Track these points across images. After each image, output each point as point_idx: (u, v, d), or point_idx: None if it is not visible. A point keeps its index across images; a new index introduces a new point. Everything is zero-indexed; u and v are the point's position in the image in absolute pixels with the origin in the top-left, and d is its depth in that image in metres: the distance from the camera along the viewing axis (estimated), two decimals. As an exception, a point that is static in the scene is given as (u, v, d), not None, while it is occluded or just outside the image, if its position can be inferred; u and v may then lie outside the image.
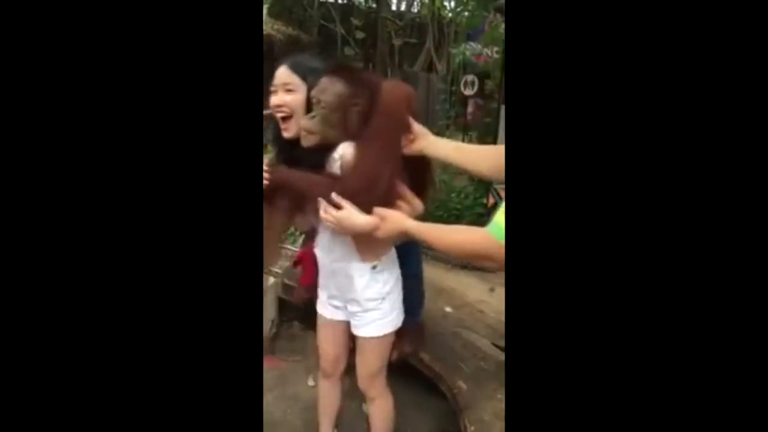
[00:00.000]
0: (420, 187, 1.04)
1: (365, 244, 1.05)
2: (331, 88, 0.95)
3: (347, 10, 5.03)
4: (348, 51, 3.91)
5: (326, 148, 0.98)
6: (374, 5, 5.22)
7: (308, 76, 1.00)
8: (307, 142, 0.97)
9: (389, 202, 0.96)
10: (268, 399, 1.75)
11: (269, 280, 2.09)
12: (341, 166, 0.96)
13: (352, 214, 0.93)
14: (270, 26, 5.27)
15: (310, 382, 1.85)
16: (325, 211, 0.95)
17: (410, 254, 1.26)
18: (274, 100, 1.01)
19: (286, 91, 1.00)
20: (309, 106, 0.99)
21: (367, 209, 0.94)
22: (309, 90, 0.99)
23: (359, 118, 0.95)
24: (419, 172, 1.05)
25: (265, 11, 4.78)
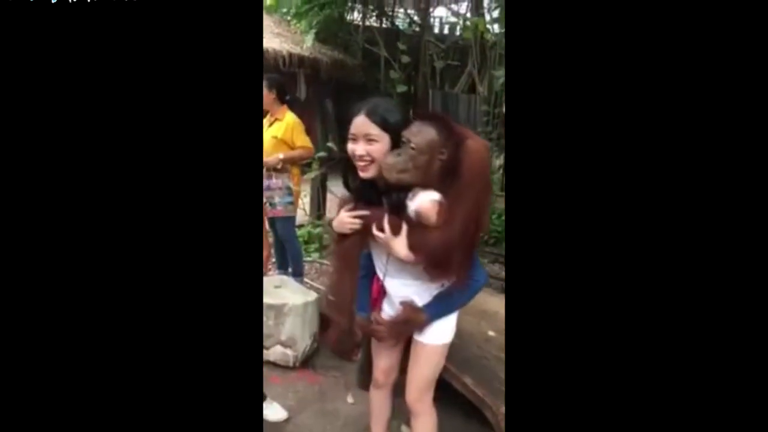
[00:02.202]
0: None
1: (434, 271, 1.08)
2: (423, 132, 1.02)
3: (391, 34, 5.16)
4: (393, 74, 4.01)
5: (400, 189, 1.05)
6: (418, 29, 5.34)
7: (388, 124, 1.06)
8: (388, 176, 1.03)
9: (462, 263, 1.05)
10: (308, 414, 1.76)
11: (312, 296, 2.12)
12: (416, 214, 1.03)
13: (402, 245, 1.04)
14: (317, 51, 5.50)
15: (350, 399, 1.85)
16: (381, 230, 1.05)
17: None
18: (358, 150, 1.07)
19: (367, 141, 1.06)
20: (392, 149, 1.06)
21: (439, 264, 1.03)
22: (391, 137, 1.05)
23: (441, 165, 1.03)
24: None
25: (312, 36, 5.01)
